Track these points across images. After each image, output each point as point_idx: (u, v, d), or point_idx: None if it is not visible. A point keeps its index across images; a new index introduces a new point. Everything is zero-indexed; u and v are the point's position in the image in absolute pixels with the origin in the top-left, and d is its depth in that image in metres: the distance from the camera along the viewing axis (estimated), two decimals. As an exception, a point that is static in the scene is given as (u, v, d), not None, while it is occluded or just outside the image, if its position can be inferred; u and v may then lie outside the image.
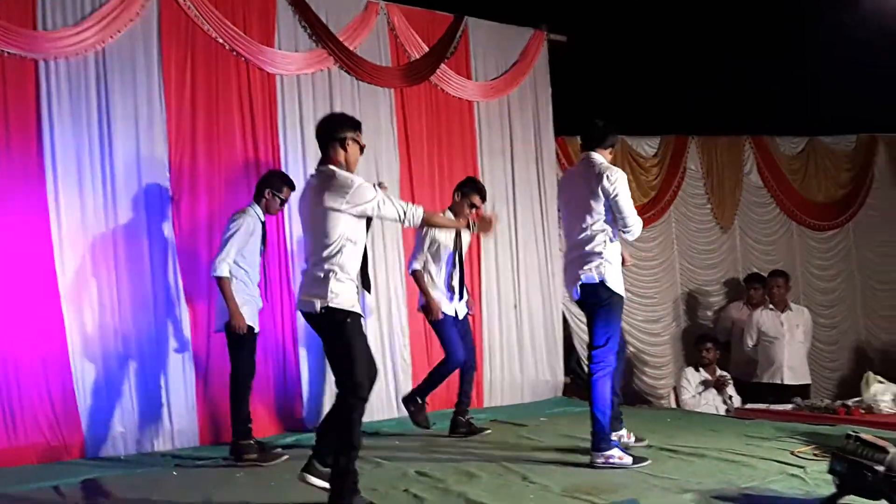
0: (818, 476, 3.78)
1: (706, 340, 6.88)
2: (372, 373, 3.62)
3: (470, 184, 5.46)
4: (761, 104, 8.14)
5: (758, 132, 8.17)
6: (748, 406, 6.22)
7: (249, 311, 4.84)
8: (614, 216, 4.24)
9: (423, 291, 5.24)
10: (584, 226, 4.27)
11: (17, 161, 4.99)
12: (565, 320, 7.18)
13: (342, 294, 3.53)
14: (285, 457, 4.67)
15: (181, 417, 5.34)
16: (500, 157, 6.95)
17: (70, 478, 4.41)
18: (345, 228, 3.52)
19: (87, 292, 5.14)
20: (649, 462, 4.22)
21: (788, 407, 5.83)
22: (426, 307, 5.25)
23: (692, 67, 7.99)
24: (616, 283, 4.27)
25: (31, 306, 4.96)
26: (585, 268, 4.24)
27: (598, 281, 4.20)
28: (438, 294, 5.27)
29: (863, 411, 5.31)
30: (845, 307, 8.34)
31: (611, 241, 4.27)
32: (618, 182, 4.21)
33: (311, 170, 5.76)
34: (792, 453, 4.30)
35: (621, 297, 4.29)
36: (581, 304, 4.40)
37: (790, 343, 6.98)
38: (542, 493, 3.75)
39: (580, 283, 4.24)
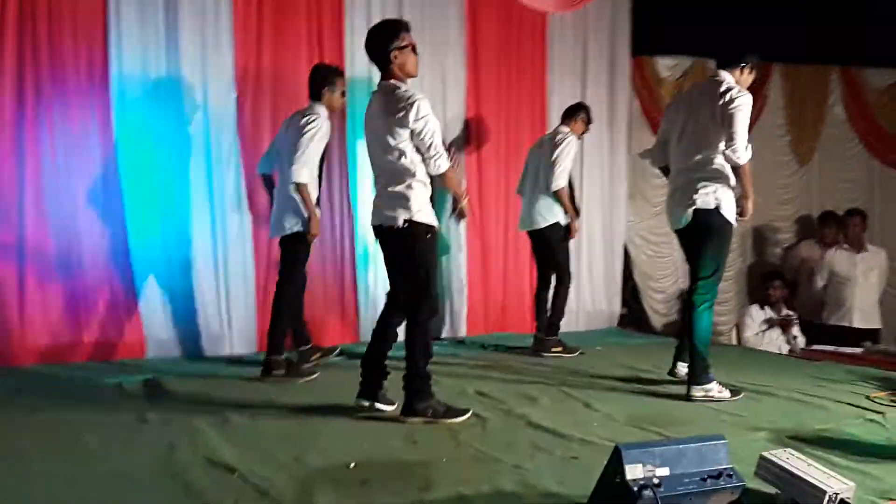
0: (899, 423, 3.64)
1: (774, 278, 6.71)
2: None
3: (589, 112, 5.62)
4: (851, 32, 7.62)
5: (846, 62, 7.76)
6: (815, 347, 6.09)
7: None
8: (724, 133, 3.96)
9: (567, 208, 5.39)
10: (702, 147, 4.05)
11: (83, 61, 4.98)
12: (626, 251, 7.04)
13: (424, 208, 3.56)
14: (316, 374, 4.60)
15: (241, 323, 5.41)
16: (570, 75, 6.69)
17: (133, 376, 4.50)
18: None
19: (150, 194, 5.16)
20: (743, 395, 4.15)
21: (858, 350, 5.69)
22: (569, 227, 5.42)
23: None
24: (731, 211, 4.08)
25: (96, 207, 5.01)
26: (702, 192, 4.03)
27: (713, 207, 4.01)
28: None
29: (940, 359, 5.11)
30: (923, 251, 7.97)
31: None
32: (739, 100, 3.96)
33: (377, 78, 5.87)
34: (868, 398, 4.16)
35: (732, 227, 4.12)
36: (686, 232, 4.17)
37: (863, 285, 6.80)
38: (607, 422, 3.70)
39: (693, 207, 4.03)
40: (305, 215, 4.50)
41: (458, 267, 6.29)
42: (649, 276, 7.12)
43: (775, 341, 6.44)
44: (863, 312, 6.79)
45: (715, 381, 4.10)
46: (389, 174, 3.58)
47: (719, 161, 4.01)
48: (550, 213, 5.41)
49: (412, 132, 3.47)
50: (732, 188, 4.08)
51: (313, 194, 4.60)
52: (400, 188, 3.54)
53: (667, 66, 7.12)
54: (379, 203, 3.66)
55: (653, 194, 7.03)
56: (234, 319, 5.41)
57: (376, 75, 5.63)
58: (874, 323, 6.87)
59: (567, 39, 6.70)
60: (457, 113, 6.26)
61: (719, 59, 4.20)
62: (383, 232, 3.64)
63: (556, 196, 5.37)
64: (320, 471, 2.95)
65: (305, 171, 4.46)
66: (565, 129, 5.53)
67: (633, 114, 7.00)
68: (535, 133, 6.53)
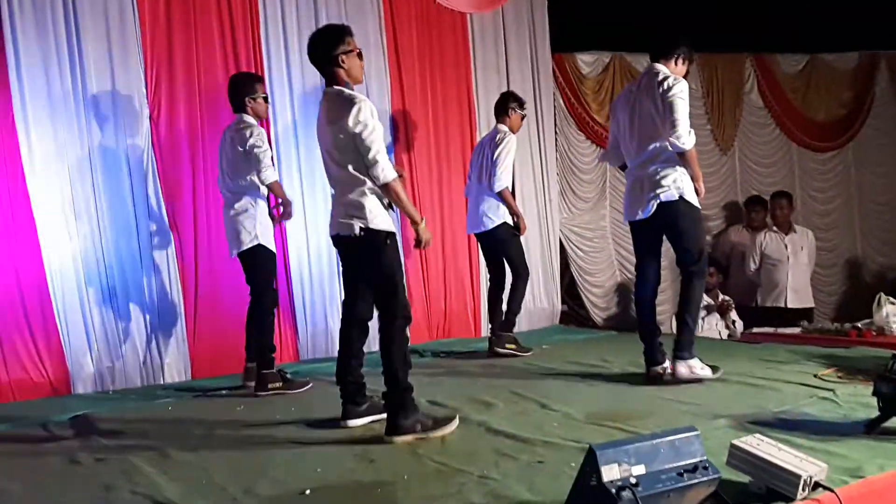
0: (851, 399, 3.67)
1: (709, 265, 6.66)
2: None
3: (517, 96, 5.53)
4: (762, 19, 7.80)
5: (758, 49, 7.92)
6: (754, 330, 6.14)
7: (271, 233, 4.62)
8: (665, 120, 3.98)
9: (512, 207, 5.33)
10: (652, 139, 4.06)
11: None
12: (563, 248, 7.01)
13: (380, 215, 3.44)
14: (310, 384, 4.56)
15: (172, 348, 5.13)
16: (496, 74, 6.65)
17: (58, 414, 4.17)
18: None
19: (64, 220, 4.83)
20: (723, 371, 4.20)
21: (796, 330, 5.77)
22: (518, 225, 5.36)
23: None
24: (693, 195, 4.11)
25: (4, 237, 4.64)
26: (663, 184, 4.05)
27: (677, 197, 4.04)
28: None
29: (874, 332, 5.23)
30: (843, 229, 8.26)
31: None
32: (676, 87, 3.99)
33: (297, 84, 5.73)
34: (815, 376, 4.18)
35: (699, 210, 4.17)
36: (649, 225, 4.16)
37: (794, 265, 6.89)
38: (566, 421, 3.59)
39: (658, 201, 4.04)
40: (260, 226, 4.47)
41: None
42: (587, 271, 7.11)
43: (715, 327, 6.48)
44: (796, 292, 6.89)
45: (697, 357, 4.14)
46: (342, 183, 3.48)
47: (671, 149, 4.02)
48: (496, 214, 5.36)
49: (353, 137, 3.33)
50: (686, 175, 4.10)
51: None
52: (353, 196, 3.43)
53: (586, 63, 7.14)
54: (334, 213, 3.56)
55: (583, 189, 7.09)
56: (163, 347, 5.11)
57: (296, 80, 5.73)
58: (808, 302, 6.99)
59: (488, 38, 6.65)
60: (382, 116, 6.07)
61: (653, 51, 4.22)
62: (341, 242, 3.55)
63: (501, 196, 5.29)
64: (273, 501, 2.75)
65: (271, 170, 4.45)
66: (503, 127, 5.47)
67: (558, 110, 7.00)
68: (465, 133, 6.48)
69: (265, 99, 4.67)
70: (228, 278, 5.16)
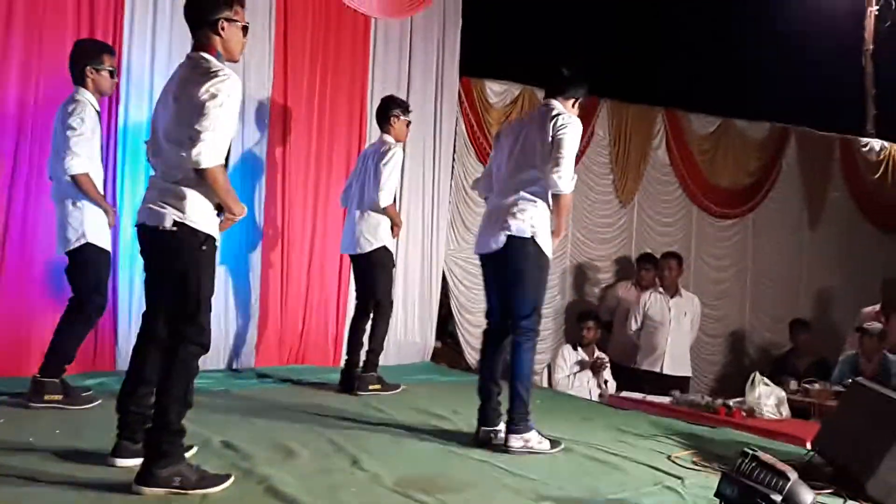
0: (698, 492, 3.15)
1: (588, 318, 6.39)
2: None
3: (400, 101, 5.06)
4: (680, 75, 7.62)
5: (672, 104, 7.66)
6: (623, 394, 5.72)
7: (104, 229, 3.99)
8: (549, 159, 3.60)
9: (396, 224, 4.91)
10: (525, 169, 3.66)
11: None
12: (444, 280, 6.51)
13: (204, 212, 2.78)
14: (98, 401, 3.96)
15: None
16: (395, 87, 6.06)
17: None
18: None
19: None
20: (563, 446, 3.69)
21: (666, 400, 5.34)
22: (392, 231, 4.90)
23: (614, 26, 7.38)
24: (547, 242, 3.68)
25: None
26: (519, 217, 3.61)
27: (528, 235, 3.60)
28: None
29: (744, 413, 4.81)
30: (733, 300, 8.01)
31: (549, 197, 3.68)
32: (570, 127, 3.63)
33: (161, 59, 4.98)
34: (669, 458, 3.69)
35: (549, 260, 3.71)
36: (495, 259, 3.71)
37: (675, 330, 6.56)
38: (369, 487, 2.96)
39: (507, 233, 3.60)
40: (89, 222, 3.89)
41: (248, 286, 5.47)
42: (466, 308, 6.63)
43: (586, 385, 6.12)
44: (674, 359, 6.55)
45: (534, 430, 3.65)
46: (167, 164, 2.81)
47: (542, 185, 3.63)
48: (375, 236, 4.81)
49: (196, 108, 2.69)
50: (549, 218, 3.68)
51: (99, 185, 3.96)
52: (176, 183, 2.76)
53: (496, 92, 6.74)
54: (148, 197, 2.86)
55: (474, 222, 6.51)
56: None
57: (160, 61, 5.02)
58: (685, 370, 6.65)
59: (392, 48, 6.12)
60: (258, 114, 5.48)
61: (549, 87, 3.86)
62: (146, 233, 2.84)
63: (384, 212, 4.78)
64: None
65: (80, 161, 3.85)
66: (388, 138, 4.90)
67: (458, 138, 6.54)
68: (353, 143, 5.91)
69: (111, 73, 4.01)
70: (38, 266, 4.48)
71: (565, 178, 3.58)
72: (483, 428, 3.77)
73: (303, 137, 5.67)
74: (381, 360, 4.97)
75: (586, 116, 7.04)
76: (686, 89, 7.75)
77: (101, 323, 4.68)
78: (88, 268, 3.93)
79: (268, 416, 4.04)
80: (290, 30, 5.56)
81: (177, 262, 2.79)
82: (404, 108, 4.95)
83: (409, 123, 4.99)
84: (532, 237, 3.62)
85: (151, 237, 2.83)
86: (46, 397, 3.81)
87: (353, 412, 4.28)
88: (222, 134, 2.74)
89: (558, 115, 3.66)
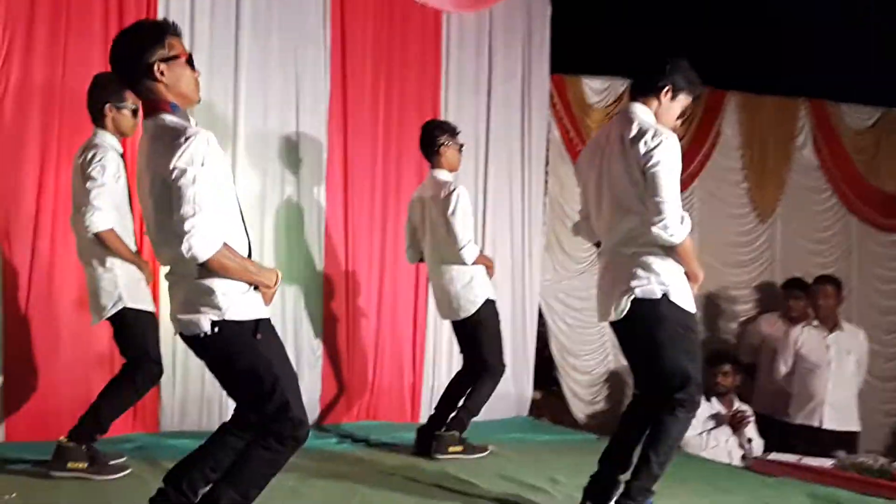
0: None
1: (723, 361, 6.04)
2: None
3: (445, 125, 4.92)
4: (827, 60, 7.25)
5: (818, 94, 7.43)
6: (773, 456, 5.42)
7: (144, 290, 4.10)
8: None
9: (489, 267, 4.84)
10: (626, 219, 3.40)
11: None
12: (542, 318, 6.41)
13: (238, 298, 2.75)
14: (128, 470, 4.00)
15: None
16: (473, 93, 6.07)
17: None
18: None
19: None
20: None
21: (828, 462, 5.06)
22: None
23: (740, 3, 7.08)
24: (684, 294, 3.41)
25: None
26: (641, 275, 3.36)
27: (659, 296, 3.35)
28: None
29: (932, 479, 4.41)
30: (912, 333, 7.61)
31: None
32: (661, 148, 3.27)
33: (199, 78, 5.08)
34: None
35: (693, 314, 3.46)
36: (624, 328, 3.52)
37: (837, 374, 6.17)
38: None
39: (631, 296, 3.36)
40: (124, 283, 3.98)
41: (307, 333, 5.50)
42: (570, 350, 6.58)
43: (724, 445, 5.77)
44: (836, 410, 6.15)
45: None
46: (172, 259, 2.75)
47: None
48: (474, 293, 4.72)
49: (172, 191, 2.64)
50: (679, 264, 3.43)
51: (128, 242, 4.04)
52: (196, 278, 2.71)
53: (595, 90, 6.66)
54: (173, 303, 2.83)
55: (575, 247, 6.52)
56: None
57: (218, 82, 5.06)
58: (851, 424, 6.25)
59: (468, 47, 6.09)
60: (315, 127, 5.53)
61: (633, 86, 3.56)
62: (190, 344, 2.85)
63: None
64: None
65: (102, 215, 3.90)
66: (442, 176, 4.76)
67: (551, 146, 6.49)
68: (425, 164, 5.80)
69: (134, 112, 4.06)
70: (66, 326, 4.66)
71: (673, 225, 3.27)
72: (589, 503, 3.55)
73: (366, 157, 5.68)
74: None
75: (709, 114, 7.07)
76: (835, 75, 7.32)
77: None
78: (133, 332, 4.01)
79: (323, 481, 4.01)
80: (349, 32, 5.59)
81: (237, 361, 2.79)
82: (451, 131, 4.83)
83: (461, 147, 4.87)
84: (665, 296, 3.36)
85: (196, 345, 2.83)
86: (70, 465, 3.84)
87: (425, 480, 4.17)
88: (211, 210, 2.63)
89: (639, 134, 3.33)
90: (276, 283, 2.85)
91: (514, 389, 6.16)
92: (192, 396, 5.04)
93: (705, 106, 7.02)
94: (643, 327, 3.40)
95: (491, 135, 6.11)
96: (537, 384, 6.43)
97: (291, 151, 5.41)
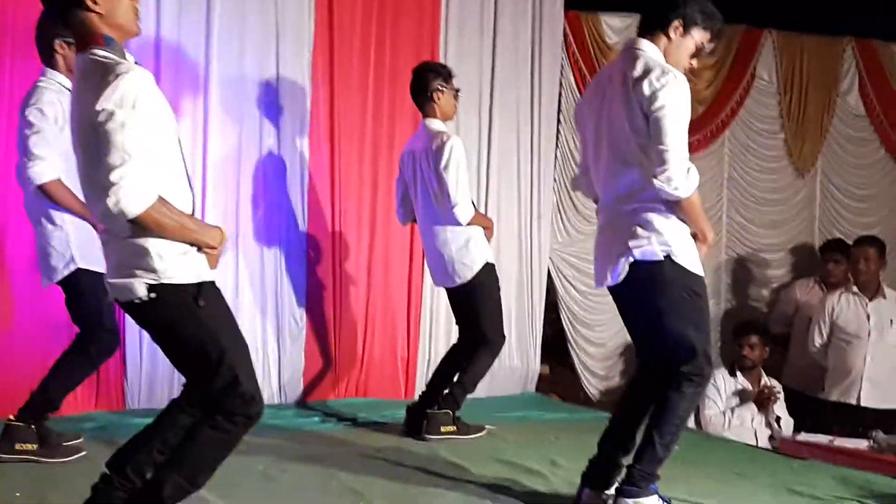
0: None
1: (750, 332, 5.93)
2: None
3: (438, 67, 4.79)
4: None
5: (865, 33, 7.26)
6: (803, 436, 5.38)
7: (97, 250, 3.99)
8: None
9: (487, 228, 4.74)
10: (625, 171, 3.26)
11: None
12: (551, 284, 6.33)
13: (177, 260, 2.65)
14: (82, 452, 3.97)
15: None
16: (477, 34, 5.94)
17: None
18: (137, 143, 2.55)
19: None
20: None
21: (863, 444, 5.03)
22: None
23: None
24: (691, 258, 3.28)
25: None
26: (640, 234, 3.22)
27: (661, 258, 3.22)
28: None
29: (981, 465, 4.29)
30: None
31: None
32: (668, 89, 3.10)
33: (165, 14, 4.91)
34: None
35: (701, 277, 3.32)
36: (622, 293, 3.41)
37: (877, 345, 6.01)
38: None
39: (629, 259, 3.25)
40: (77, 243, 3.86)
41: (291, 303, 5.44)
42: (581, 320, 6.51)
43: (750, 424, 5.69)
44: (875, 385, 6.00)
45: (657, 495, 3.35)
46: (102, 215, 2.63)
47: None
48: (471, 257, 4.59)
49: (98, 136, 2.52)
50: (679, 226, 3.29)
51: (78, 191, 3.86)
52: (127, 237, 2.60)
53: (615, 28, 6.46)
54: (107, 265, 2.76)
55: (589, 205, 6.18)
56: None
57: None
58: (891, 402, 6.07)
59: None
60: (297, 76, 5.41)
61: (641, 20, 3.40)
62: (126, 309, 2.79)
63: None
64: None
65: (44, 165, 3.79)
66: (435, 125, 4.60)
67: (564, 92, 6.33)
68: (420, 117, 5.68)
69: None
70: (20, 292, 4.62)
71: (677, 177, 3.12)
72: (587, 490, 3.46)
73: (355, 107, 5.57)
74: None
75: (743, 54, 6.93)
76: (885, 11, 7.03)
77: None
78: (86, 298, 3.90)
79: (298, 465, 4.00)
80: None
81: (179, 330, 2.71)
82: (446, 75, 4.66)
83: (457, 93, 4.72)
84: (667, 257, 3.23)
85: (134, 313, 2.75)
86: (18, 447, 3.80)
87: (412, 463, 4.13)
88: (144, 159, 2.51)
89: (644, 74, 3.16)
90: (220, 243, 2.75)
91: (519, 363, 6.16)
92: (162, 371, 4.97)
93: (738, 46, 6.91)
94: (643, 292, 3.28)
95: (496, 80, 5.98)
96: (546, 357, 6.40)
97: (271, 99, 5.30)
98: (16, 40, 4.59)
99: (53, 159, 3.77)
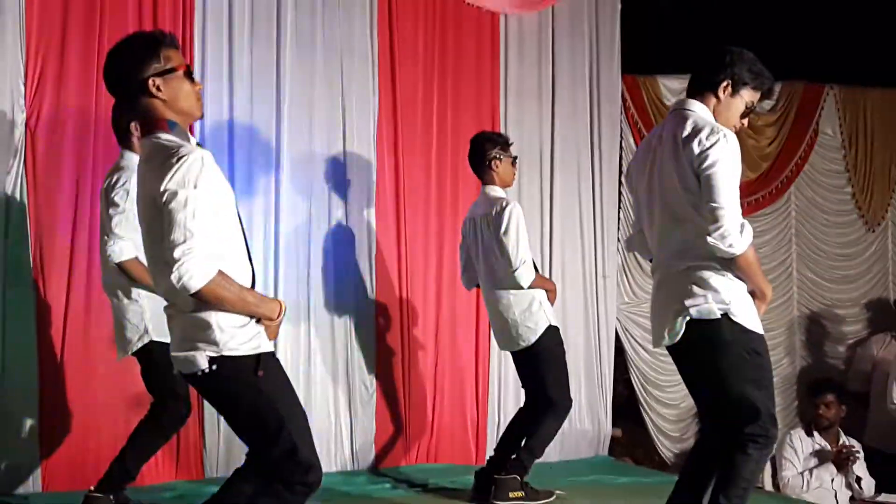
0: None
1: (825, 390, 5.84)
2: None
3: (495, 136, 4.87)
4: None
5: None
6: (883, 497, 5.35)
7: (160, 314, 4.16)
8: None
9: (550, 290, 4.76)
10: (678, 228, 3.26)
11: None
12: (619, 345, 6.31)
13: (237, 332, 2.72)
14: None
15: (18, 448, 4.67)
16: (536, 101, 6.01)
17: None
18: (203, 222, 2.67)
19: None
20: None
21: None
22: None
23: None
24: (750, 315, 3.24)
25: None
26: (697, 292, 3.20)
27: (718, 316, 3.19)
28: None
29: None
30: None
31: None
32: (718, 147, 3.13)
33: (238, 98, 5.12)
34: None
35: (761, 336, 3.28)
36: (680, 353, 3.39)
37: None
38: None
39: (686, 317, 3.22)
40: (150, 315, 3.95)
41: (360, 368, 5.47)
42: (652, 381, 6.46)
43: (829, 485, 5.59)
44: None
45: None
46: (166, 290, 2.75)
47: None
48: (534, 319, 4.61)
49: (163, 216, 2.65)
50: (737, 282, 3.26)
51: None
52: (192, 311, 2.70)
53: (673, 90, 6.52)
54: (172, 337, 2.84)
55: None
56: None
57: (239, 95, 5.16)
58: None
59: (528, 49, 6.05)
60: (362, 150, 5.55)
61: (690, 81, 3.41)
62: (189, 382, 2.87)
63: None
64: None
65: (124, 244, 3.94)
66: (495, 192, 4.68)
67: (625, 155, 6.37)
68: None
69: None
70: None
71: (731, 234, 3.11)
72: None
73: (419, 175, 5.67)
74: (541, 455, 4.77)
75: (805, 110, 6.94)
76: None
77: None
78: (159, 369, 3.96)
79: None
80: (398, 40, 5.60)
81: (239, 400, 2.77)
82: (503, 143, 4.75)
83: (514, 160, 4.79)
84: (725, 315, 3.20)
85: (197, 384, 2.83)
86: None
87: None
88: (203, 234, 2.61)
89: (693, 132, 3.18)
90: (279, 315, 2.81)
91: (590, 426, 6.07)
92: (239, 440, 5.04)
93: (800, 102, 6.91)
94: (702, 352, 3.25)
95: (556, 145, 6.04)
96: (621, 420, 6.33)
97: (339, 172, 5.43)
98: (98, 130, 4.80)
99: (133, 238, 3.87)
